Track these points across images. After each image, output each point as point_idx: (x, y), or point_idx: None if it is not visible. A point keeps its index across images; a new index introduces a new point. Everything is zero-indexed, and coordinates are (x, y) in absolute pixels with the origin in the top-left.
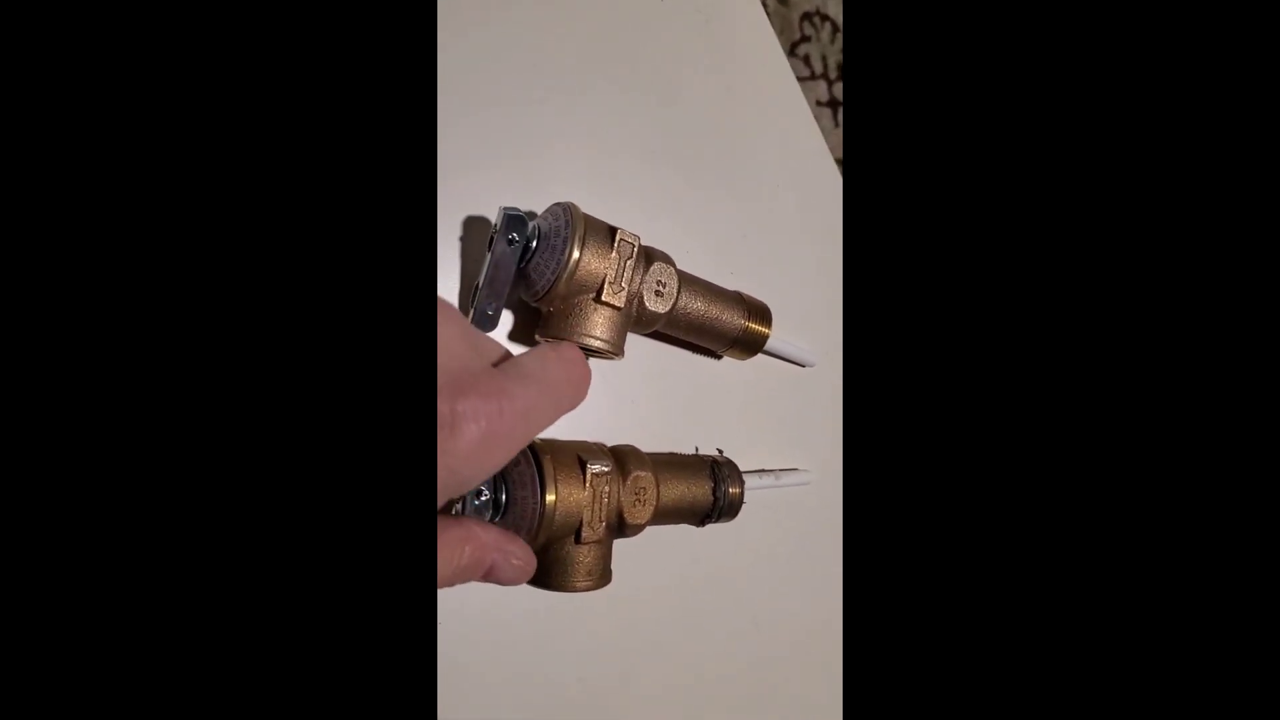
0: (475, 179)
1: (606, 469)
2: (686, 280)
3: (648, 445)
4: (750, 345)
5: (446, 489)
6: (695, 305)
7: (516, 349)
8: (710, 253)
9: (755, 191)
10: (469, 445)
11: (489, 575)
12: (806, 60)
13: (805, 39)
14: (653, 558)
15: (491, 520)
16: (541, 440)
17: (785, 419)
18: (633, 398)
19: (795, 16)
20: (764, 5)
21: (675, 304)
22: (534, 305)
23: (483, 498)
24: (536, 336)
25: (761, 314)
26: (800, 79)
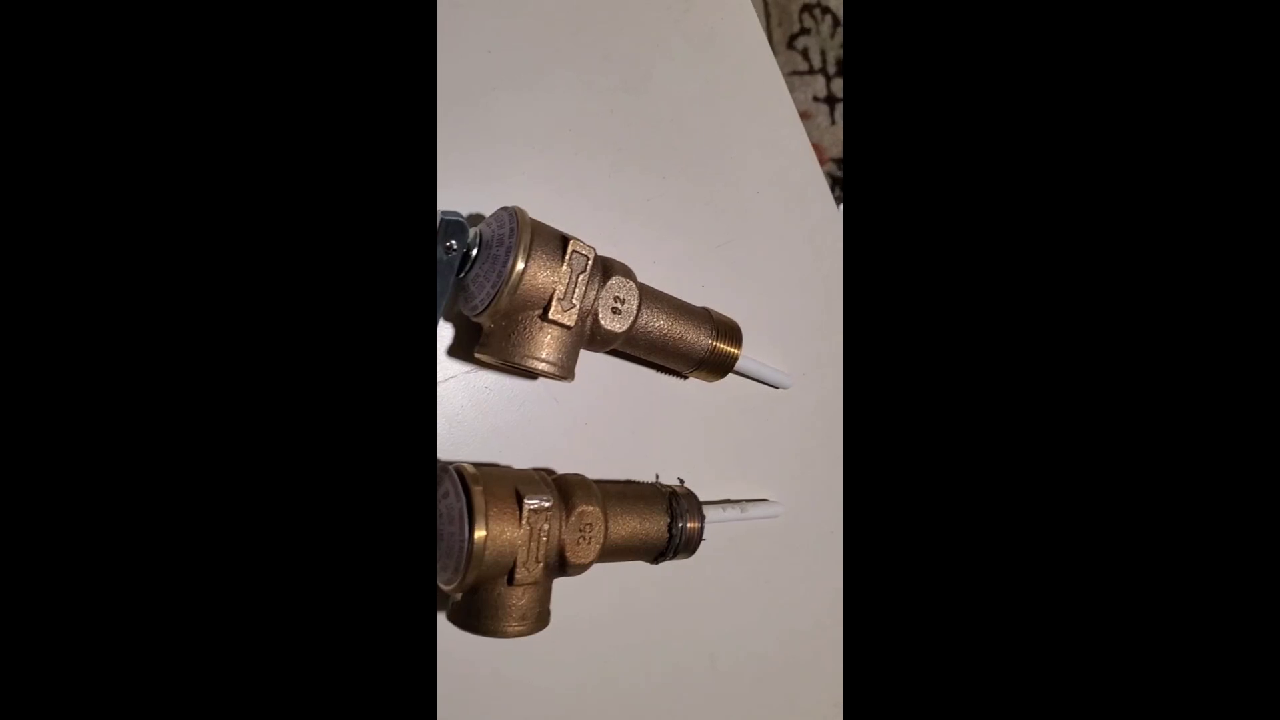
0: None
1: (546, 504)
2: (648, 296)
3: (603, 471)
4: (719, 367)
5: None
6: (657, 324)
7: (456, 366)
8: (681, 263)
9: (733, 196)
10: None
11: None
12: (805, 54)
13: (804, 31)
14: (599, 590)
15: None
16: (475, 468)
17: (757, 445)
18: (586, 419)
19: (795, 8)
20: None
21: (634, 322)
22: (474, 320)
23: None
24: (476, 355)
25: (731, 333)
26: (798, 73)
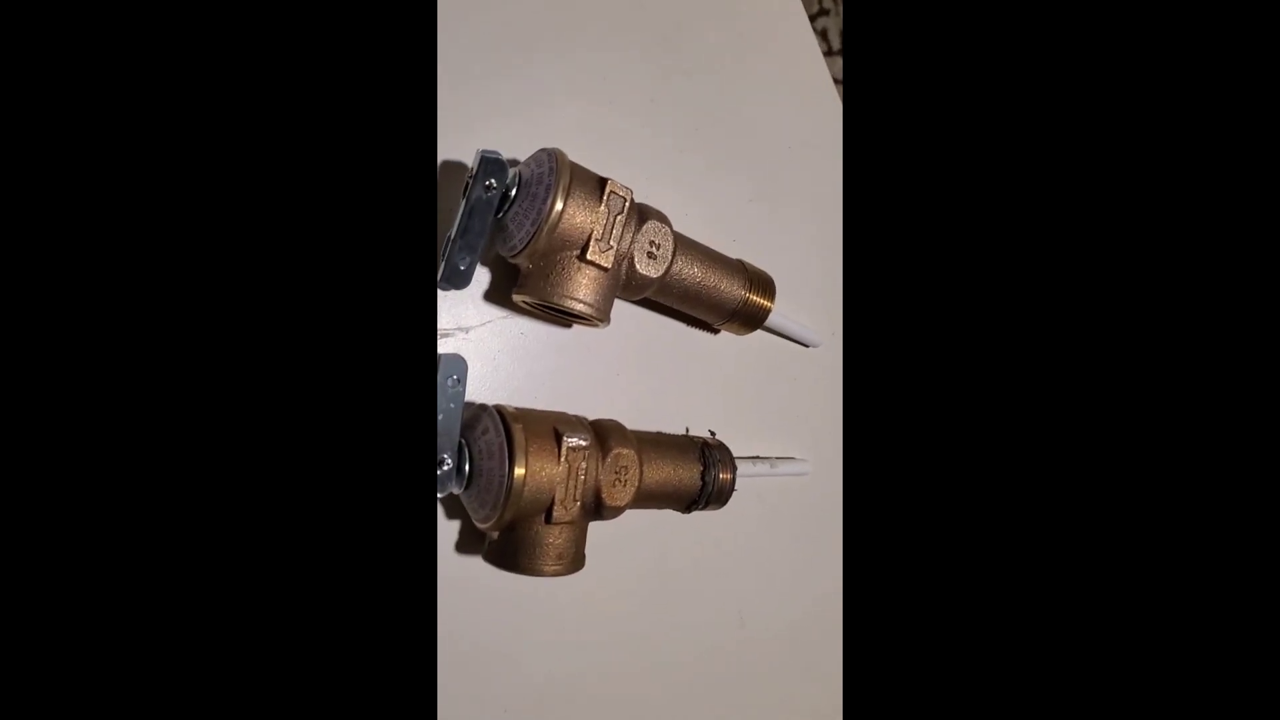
0: (455, 126)
1: (585, 443)
2: (683, 244)
3: (633, 422)
4: (751, 319)
5: None
6: (691, 271)
7: (492, 310)
8: (711, 219)
9: (764, 155)
10: None
11: None
12: (824, 35)
13: (824, 12)
14: (630, 543)
15: (455, 492)
16: (515, 409)
17: (785, 403)
18: (619, 370)
19: None
20: None
21: (669, 268)
22: (511, 261)
23: (446, 466)
24: (514, 295)
25: (765, 286)
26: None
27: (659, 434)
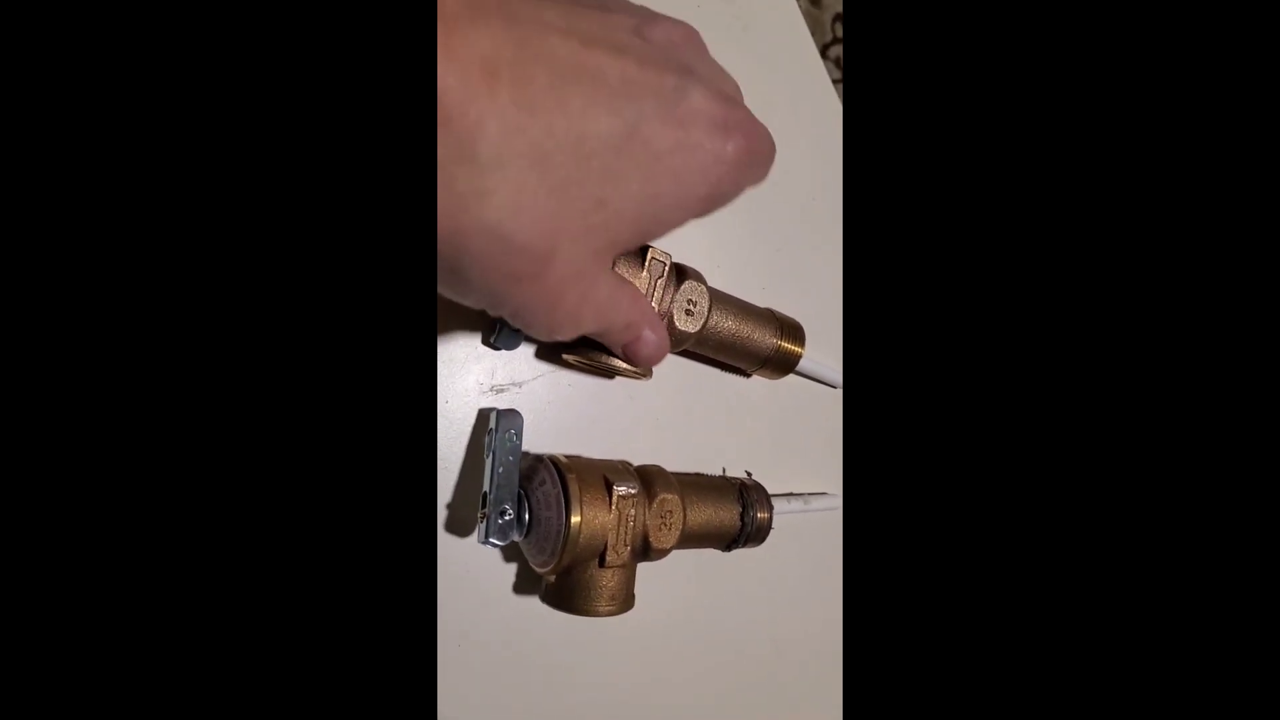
0: None
1: (634, 491)
2: (718, 299)
3: (673, 463)
4: (782, 365)
5: (710, 199)
6: (726, 324)
7: (541, 366)
8: (740, 266)
9: (790, 205)
10: (735, 153)
11: (631, 345)
12: (838, 63)
13: (837, 40)
14: (671, 578)
15: (516, 540)
16: (567, 458)
17: (814, 441)
18: (658, 416)
19: (828, 18)
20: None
21: (706, 323)
22: None
23: (506, 516)
24: (564, 355)
25: (794, 333)
26: (833, 81)
27: (699, 476)
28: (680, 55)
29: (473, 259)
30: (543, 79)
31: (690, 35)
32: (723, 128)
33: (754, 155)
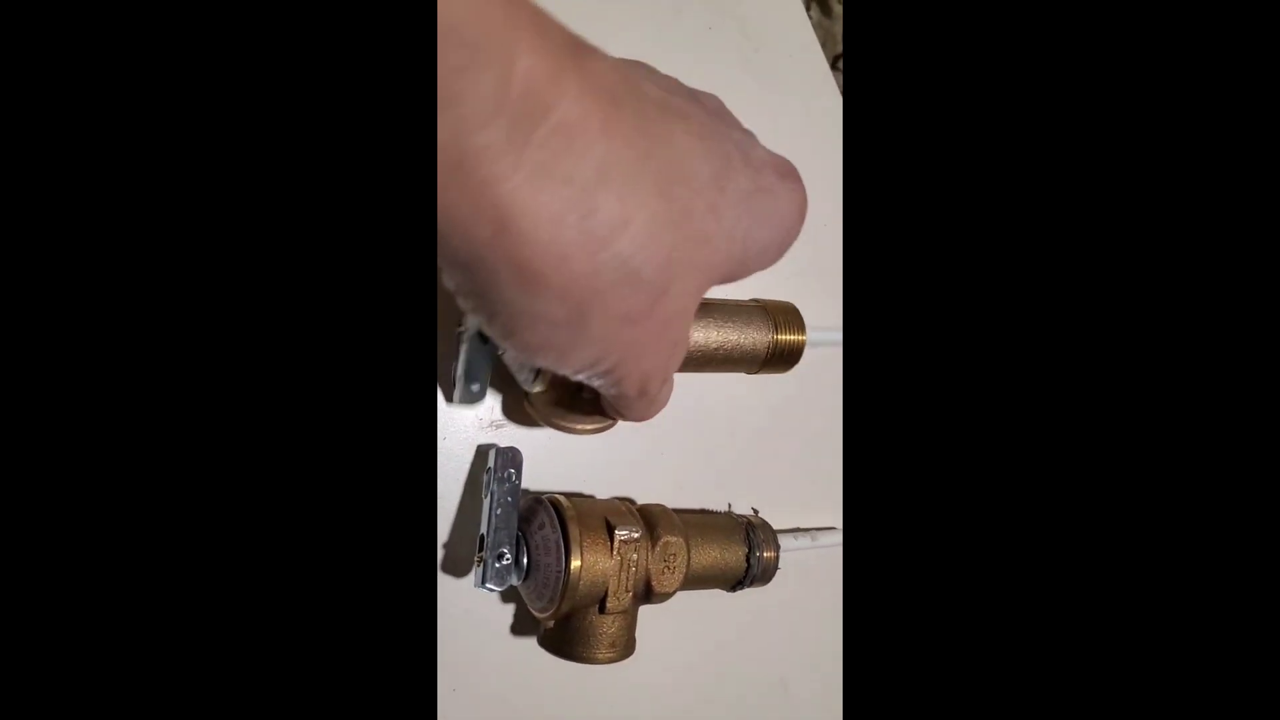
0: None
1: (635, 535)
2: (700, 308)
3: (677, 497)
4: (787, 358)
5: (782, 246)
6: (711, 336)
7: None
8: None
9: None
10: (801, 200)
11: (657, 401)
12: None
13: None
14: (674, 617)
15: (514, 585)
16: (567, 500)
17: (820, 468)
18: (662, 448)
19: (839, 30)
20: (807, 14)
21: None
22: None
23: (504, 560)
24: (527, 409)
25: (790, 319)
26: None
27: (704, 515)
28: (727, 116)
29: (603, 301)
30: (652, 112)
31: (722, 103)
32: (787, 175)
33: (806, 205)
